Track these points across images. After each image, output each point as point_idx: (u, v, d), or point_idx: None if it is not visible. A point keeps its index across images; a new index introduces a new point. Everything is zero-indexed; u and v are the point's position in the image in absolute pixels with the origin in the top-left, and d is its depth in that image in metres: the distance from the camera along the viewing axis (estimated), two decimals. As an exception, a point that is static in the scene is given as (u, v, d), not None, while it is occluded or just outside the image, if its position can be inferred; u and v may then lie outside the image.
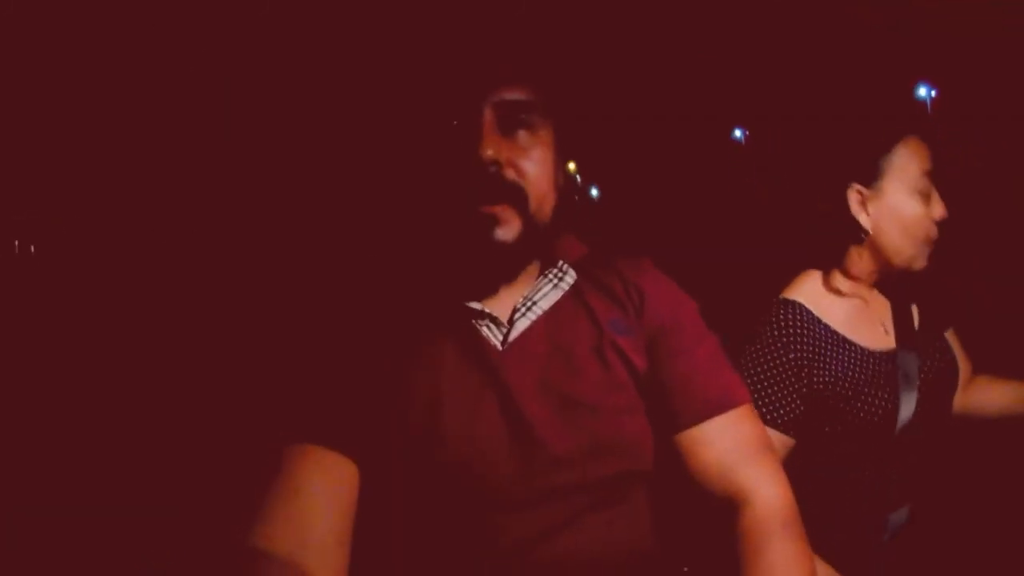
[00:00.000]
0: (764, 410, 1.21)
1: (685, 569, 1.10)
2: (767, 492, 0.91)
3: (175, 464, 1.56)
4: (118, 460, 1.58)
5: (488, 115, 0.89)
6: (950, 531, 1.26)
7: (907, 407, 1.24)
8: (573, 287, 0.99)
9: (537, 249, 0.97)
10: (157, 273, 1.75)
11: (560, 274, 0.99)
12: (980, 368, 1.46)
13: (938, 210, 1.28)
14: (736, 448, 0.94)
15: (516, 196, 0.89)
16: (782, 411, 1.23)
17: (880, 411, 1.22)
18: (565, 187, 0.99)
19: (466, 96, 0.90)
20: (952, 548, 1.24)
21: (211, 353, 1.66)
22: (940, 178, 1.29)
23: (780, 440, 1.21)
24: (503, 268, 0.95)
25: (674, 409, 0.95)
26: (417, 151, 0.93)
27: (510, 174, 0.89)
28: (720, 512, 0.93)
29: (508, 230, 0.89)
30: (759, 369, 1.25)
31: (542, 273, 0.99)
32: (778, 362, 1.24)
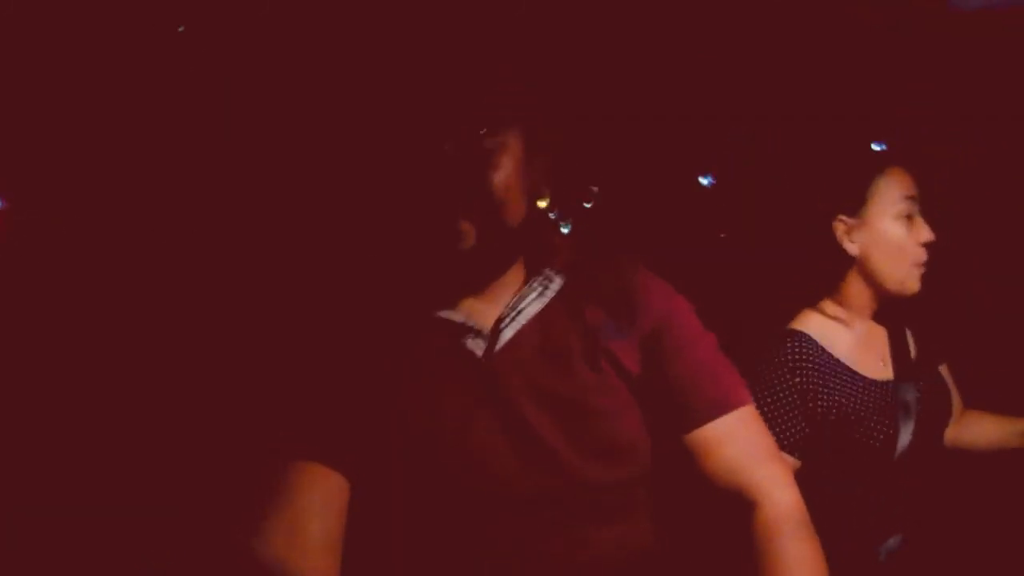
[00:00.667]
0: (771, 432, 1.21)
1: None
2: (779, 493, 0.91)
3: (169, 469, 1.51)
4: (113, 464, 1.53)
5: (448, 123, 0.86)
6: (943, 561, 1.27)
7: (905, 436, 1.27)
8: (562, 292, 0.97)
9: (508, 256, 0.95)
10: (152, 282, 1.71)
11: (546, 281, 0.97)
12: (972, 402, 1.49)
13: (923, 233, 1.31)
14: (745, 448, 0.93)
15: (472, 205, 0.86)
16: (788, 432, 1.24)
17: (880, 438, 1.24)
18: (539, 191, 0.95)
19: (426, 102, 0.86)
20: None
21: (207, 360, 1.62)
22: (928, 202, 1.33)
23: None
24: (473, 278, 0.93)
25: (678, 410, 0.94)
26: (376, 160, 0.90)
27: (468, 184, 0.85)
28: (731, 513, 0.92)
29: (466, 240, 0.86)
30: (766, 393, 1.26)
31: (527, 281, 0.98)
32: (784, 386, 1.26)
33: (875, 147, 1.52)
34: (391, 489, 0.86)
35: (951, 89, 1.62)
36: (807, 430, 1.24)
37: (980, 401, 1.49)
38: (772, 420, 1.23)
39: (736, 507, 0.91)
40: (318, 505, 0.83)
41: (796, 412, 1.24)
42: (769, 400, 1.25)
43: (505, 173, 0.87)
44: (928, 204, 1.32)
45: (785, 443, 1.23)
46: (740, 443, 0.93)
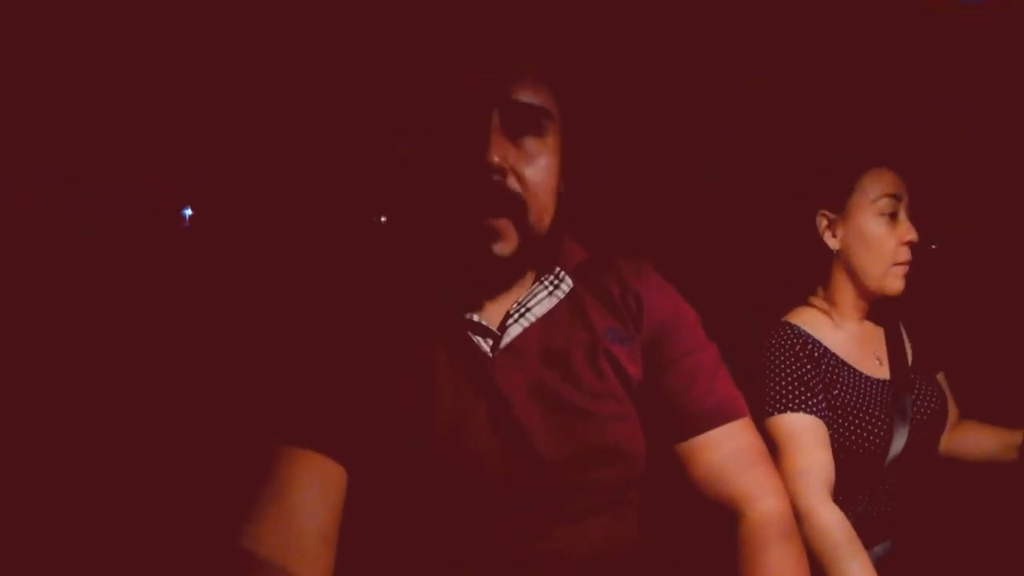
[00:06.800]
0: (792, 397, 1.20)
1: None
2: (765, 502, 0.91)
3: (164, 463, 1.52)
4: (106, 459, 1.53)
5: (496, 118, 0.86)
6: (930, 570, 1.25)
7: (899, 441, 1.25)
8: (570, 294, 0.98)
9: (534, 258, 0.95)
10: (148, 273, 1.72)
11: (556, 281, 0.98)
12: (968, 412, 1.47)
13: (905, 233, 1.30)
14: (735, 458, 0.93)
15: (517, 208, 0.86)
16: (808, 394, 1.21)
17: (873, 436, 1.23)
18: (566, 193, 0.96)
19: (475, 96, 0.86)
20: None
21: (202, 354, 1.63)
22: (915, 204, 1.33)
23: (814, 425, 1.19)
24: (498, 279, 0.94)
25: (674, 418, 0.94)
26: (423, 153, 0.90)
27: (513, 184, 0.86)
28: (717, 520, 0.92)
29: (506, 245, 0.86)
30: (780, 366, 1.24)
31: (538, 279, 0.98)
32: (794, 356, 1.25)
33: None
34: (383, 486, 0.86)
35: (948, 88, 1.60)
36: (823, 396, 1.22)
37: (976, 411, 1.47)
38: (791, 387, 1.22)
39: (723, 516, 0.92)
40: (312, 501, 0.83)
41: (810, 378, 1.23)
42: (784, 372, 1.23)
43: (548, 176, 0.89)
44: (924, 208, 1.32)
45: (809, 405, 1.20)
46: (728, 454, 0.93)
